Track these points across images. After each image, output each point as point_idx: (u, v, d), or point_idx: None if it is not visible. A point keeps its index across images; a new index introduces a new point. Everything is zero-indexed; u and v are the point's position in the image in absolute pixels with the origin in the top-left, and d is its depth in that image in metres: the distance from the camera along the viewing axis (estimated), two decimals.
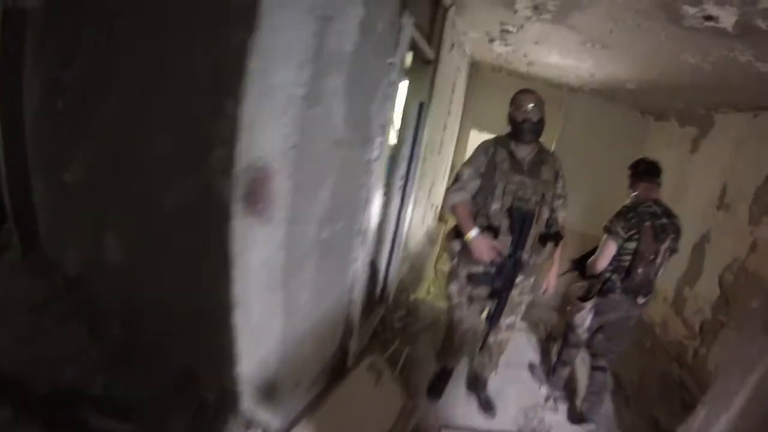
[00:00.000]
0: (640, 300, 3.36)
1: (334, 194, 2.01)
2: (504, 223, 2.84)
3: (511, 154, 2.89)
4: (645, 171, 3.44)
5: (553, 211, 2.98)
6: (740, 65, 3.39)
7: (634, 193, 3.44)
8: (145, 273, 1.77)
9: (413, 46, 3.28)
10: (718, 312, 4.41)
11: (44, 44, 1.81)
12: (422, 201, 5.23)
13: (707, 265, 4.87)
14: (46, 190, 1.97)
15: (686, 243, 4.86)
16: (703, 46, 3.27)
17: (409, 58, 3.90)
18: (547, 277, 3.22)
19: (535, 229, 2.89)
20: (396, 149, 4.02)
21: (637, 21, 3.26)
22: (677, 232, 3.29)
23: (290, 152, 1.55)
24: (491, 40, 5.27)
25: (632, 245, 3.20)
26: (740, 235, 4.40)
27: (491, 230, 2.84)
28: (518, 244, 2.81)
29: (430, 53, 3.84)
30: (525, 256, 2.87)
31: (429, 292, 5.09)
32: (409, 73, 4.01)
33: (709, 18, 2.76)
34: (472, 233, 2.76)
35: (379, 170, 2.67)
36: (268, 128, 1.47)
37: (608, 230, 3.26)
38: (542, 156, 2.96)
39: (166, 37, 1.54)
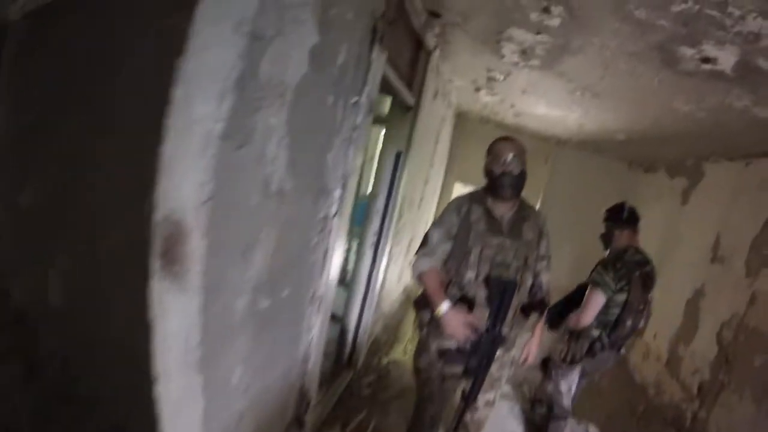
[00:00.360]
0: (623, 351, 3.26)
1: (274, 257, 1.64)
2: (480, 294, 2.41)
3: (488, 212, 2.48)
4: (629, 216, 3.27)
5: (536, 275, 2.59)
6: (736, 111, 3.30)
7: (615, 241, 3.30)
8: (84, 320, 1.51)
9: (389, 89, 3.00)
10: (717, 372, 4.16)
11: (18, 60, 1.64)
12: (399, 257, 4.87)
13: (703, 322, 4.64)
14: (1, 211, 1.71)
15: (679, 298, 5.06)
16: (698, 91, 3.15)
17: (386, 103, 3.63)
18: (527, 346, 2.76)
19: (517, 299, 2.47)
20: (369, 202, 3.73)
21: (629, 66, 3.09)
22: (655, 278, 3.20)
23: (206, 205, 1.21)
24: (477, 89, 5.08)
25: (622, 297, 3.01)
26: (737, 289, 4.21)
27: (466, 302, 2.42)
28: (497, 317, 2.37)
29: (409, 99, 3.55)
30: (505, 329, 2.44)
31: (405, 353, 4.70)
32: (386, 119, 3.74)
33: (706, 60, 2.65)
34: (443, 307, 2.34)
35: (341, 227, 2.30)
36: (185, 173, 1.16)
37: (596, 282, 3.03)
38: (524, 213, 2.56)
39: (117, 66, 1.33)
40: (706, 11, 2.14)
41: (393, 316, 5.60)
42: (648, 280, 3.08)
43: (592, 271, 3.12)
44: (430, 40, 3.51)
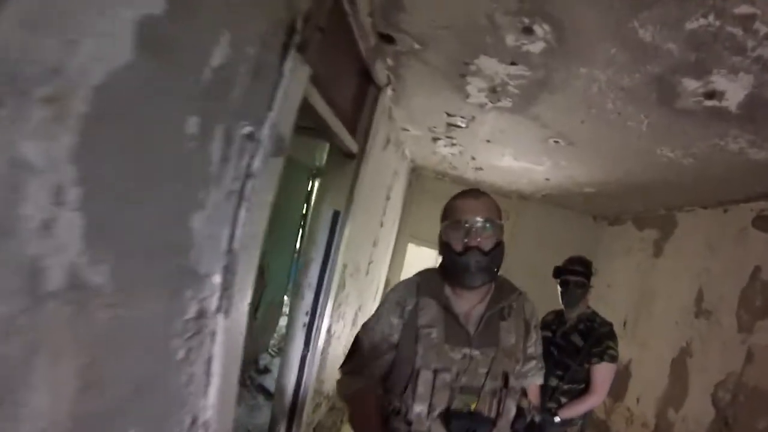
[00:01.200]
0: None
1: (86, 395, 0.90)
2: None
3: (446, 310, 1.69)
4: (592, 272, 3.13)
5: (524, 393, 1.76)
6: (729, 155, 3.00)
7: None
8: None
9: (319, 126, 2.31)
10: None
11: None
12: (342, 333, 4.11)
13: (694, 383, 4.28)
14: None
15: (662, 358, 4.75)
16: (690, 135, 2.85)
17: (322, 150, 3.01)
18: None
19: None
20: (299, 274, 3.09)
21: (617, 106, 2.68)
22: None
23: None
24: (435, 139, 4.54)
25: None
26: (730, 346, 3.92)
27: None
28: None
29: (351, 144, 2.85)
30: None
31: None
32: (322, 171, 3.09)
33: (710, 95, 2.30)
34: None
35: (236, 322, 1.49)
36: None
37: (613, 357, 2.85)
38: (502, 303, 1.73)
39: None
40: (727, 29, 1.75)
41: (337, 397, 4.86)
42: None
43: (595, 344, 2.88)
44: (381, 73, 2.91)
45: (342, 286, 3.50)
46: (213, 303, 1.35)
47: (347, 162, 2.96)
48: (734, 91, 2.19)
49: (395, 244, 7.15)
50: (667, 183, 4.07)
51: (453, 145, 4.60)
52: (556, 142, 3.61)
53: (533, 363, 1.81)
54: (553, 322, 3.19)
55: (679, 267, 4.96)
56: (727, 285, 4.14)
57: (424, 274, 1.83)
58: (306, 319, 3.00)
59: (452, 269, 1.68)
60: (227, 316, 1.41)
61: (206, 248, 1.29)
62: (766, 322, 3.65)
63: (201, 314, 1.30)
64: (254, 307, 5.45)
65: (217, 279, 1.36)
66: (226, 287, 1.39)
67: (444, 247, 1.70)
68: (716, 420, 3.83)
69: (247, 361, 5.36)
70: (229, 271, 1.39)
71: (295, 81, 1.54)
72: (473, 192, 1.74)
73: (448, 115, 3.63)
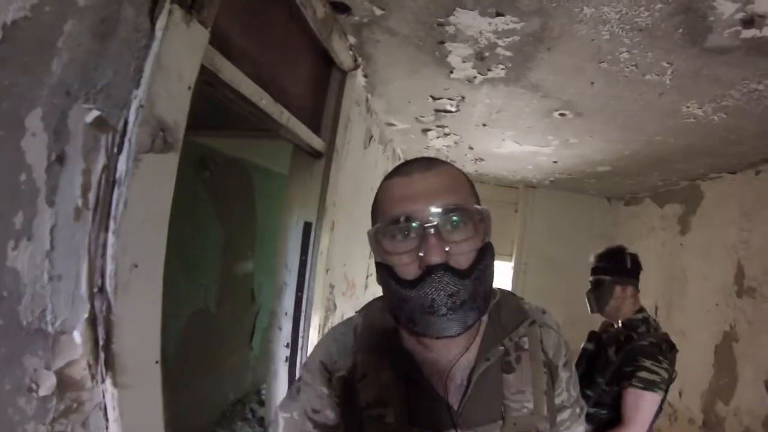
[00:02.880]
0: None
1: None
2: None
3: (408, 372, 0.98)
4: (634, 265, 2.49)
5: None
6: (766, 103, 2.59)
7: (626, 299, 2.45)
8: None
9: (262, 121, 1.82)
10: None
11: None
12: None
13: (743, 370, 3.95)
14: None
15: (704, 345, 4.42)
16: (724, 80, 2.39)
17: (283, 149, 2.52)
18: None
19: None
20: (274, 306, 2.60)
21: (634, 54, 2.20)
22: None
23: None
24: (425, 131, 4.07)
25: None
26: None
27: None
28: None
29: (314, 140, 2.36)
30: None
31: None
32: (288, 176, 2.61)
33: (749, 23, 1.85)
34: None
35: (139, 405, 1.07)
36: None
37: (646, 382, 2.12)
38: (503, 342, 1.01)
39: None
40: None
41: None
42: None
43: (626, 362, 2.21)
44: (343, 53, 2.43)
45: (331, 308, 3.03)
46: (81, 369, 0.95)
47: (314, 163, 2.47)
48: None
49: None
50: (691, 149, 3.66)
51: (446, 135, 4.14)
52: (562, 114, 3.16)
53: (568, 412, 1.11)
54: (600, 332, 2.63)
55: (712, 242, 4.60)
56: None
57: (370, 312, 1.09)
58: (287, 353, 2.52)
59: (406, 311, 0.90)
60: (117, 382, 0.99)
61: (50, 293, 0.89)
62: None
63: (66, 386, 0.92)
64: (249, 335, 5.06)
65: (77, 335, 0.91)
66: (103, 344, 0.96)
67: (383, 275, 0.93)
68: None
69: (248, 393, 4.98)
70: (101, 322, 0.96)
71: (175, 46, 1.09)
72: (420, 163, 0.94)
73: (434, 98, 3.16)
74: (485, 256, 0.90)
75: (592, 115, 3.11)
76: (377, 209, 0.96)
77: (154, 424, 1.15)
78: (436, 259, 0.83)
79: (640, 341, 2.22)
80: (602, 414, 2.28)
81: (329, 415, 1.01)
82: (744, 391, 3.89)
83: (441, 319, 0.85)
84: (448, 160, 3.69)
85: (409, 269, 0.87)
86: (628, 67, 2.33)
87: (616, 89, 2.62)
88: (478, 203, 0.95)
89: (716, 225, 4.61)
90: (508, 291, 1.12)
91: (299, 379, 1.07)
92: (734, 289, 4.19)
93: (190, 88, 1.16)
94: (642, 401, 2.10)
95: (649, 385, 2.09)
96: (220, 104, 1.62)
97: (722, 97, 2.58)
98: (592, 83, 2.56)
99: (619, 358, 2.22)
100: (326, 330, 2.92)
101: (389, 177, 0.96)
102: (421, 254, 0.84)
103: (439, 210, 0.86)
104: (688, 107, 2.78)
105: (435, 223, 0.85)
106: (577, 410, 1.13)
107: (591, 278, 2.49)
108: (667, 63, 2.24)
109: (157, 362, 1.13)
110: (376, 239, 0.91)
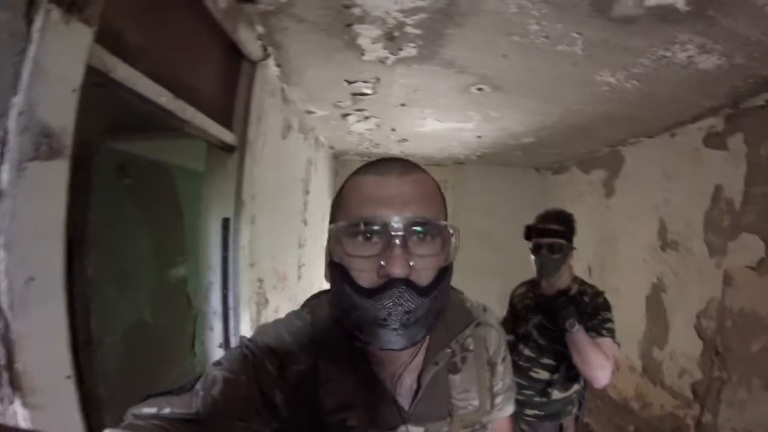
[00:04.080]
0: None
1: None
2: None
3: (368, 376, 0.95)
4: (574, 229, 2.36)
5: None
6: (675, 70, 2.67)
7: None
8: None
9: (165, 120, 1.72)
10: (710, 368, 3.70)
11: None
12: None
13: (674, 317, 4.20)
14: None
15: (635, 298, 4.67)
16: (633, 49, 2.44)
17: (204, 147, 2.40)
18: None
19: None
20: (201, 305, 2.56)
21: (544, 26, 2.19)
22: None
23: None
24: (345, 116, 3.97)
25: None
26: (705, 273, 3.81)
27: None
28: None
29: (225, 134, 2.28)
30: None
31: None
32: (204, 172, 2.50)
33: None
34: None
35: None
36: None
37: (613, 332, 2.15)
38: (450, 345, 1.01)
39: None
40: None
41: None
42: None
43: (590, 318, 2.16)
44: (252, 44, 2.30)
45: (263, 303, 2.96)
46: None
47: (227, 157, 2.37)
48: None
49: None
50: (609, 116, 3.74)
51: (366, 118, 4.06)
52: (480, 89, 3.13)
53: (501, 397, 1.14)
54: (526, 297, 2.49)
55: (636, 203, 4.85)
56: (689, 211, 4.00)
57: (319, 311, 1.00)
58: (222, 352, 2.43)
59: (355, 319, 0.84)
60: (27, 403, 0.99)
61: None
62: (738, 241, 3.52)
63: None
64: (191, 341, 4.86)
65: None
66: (5, 364, 0.96)
67: (337, 278, 0.86)
68: (705, 350, 3.73)
69: None
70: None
71: (55, 48, 1.05)
72: (396, 163, 0.88)
73: (349, 82, 3.07)
74: (446, 276, 0.86)
75: (509, 88, 3.10)
76: (342, 204, 0.89)
77: None
78: (399, 272, 0.77)
79: (596, 300, 2.23)
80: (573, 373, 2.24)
81: (278, 400, 0.87)
82: (676, 336, 4.11)
83: (390, 332, 0.80)
84: (372, 143, 3.57)
85: (366, 276, 0.81)
86: (539, 39, 2.31)
87: (529, 61, 2.61)
88: (445, 215, 0.90)
89: (639, 187, 4.80)
90: (451, 288, 1.01)
91: (241, 345, 0.92)
92: (659, 244, 4.40)
93: (74, 90, 1.11)
94: (612, 348, 2.10)
95: (612, 335, 2.12)
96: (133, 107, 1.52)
97: (633, 65, 2.62)
98: (505, 56, 2.54)
99: (582, 319, 2.13)
100: (265, 322, 2.83)
101: (361, 173, 0.89)
102: (383, 263, 0.78)
103: (410, 220, 0.80)
104: (601, 76, 2.81)
105: (403, 233, 0.79)
106: (510, 394, 1.17)
107: (544, 241, 2.27)
108: (577, 33, 2.24)
109: (68, 377, 1.10)
110: (337, 238, 0.85)
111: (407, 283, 0.78)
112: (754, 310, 3.33)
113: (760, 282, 3.30)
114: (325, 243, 0.92)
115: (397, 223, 0.79)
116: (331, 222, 0.90)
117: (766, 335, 3.21)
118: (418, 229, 0.81)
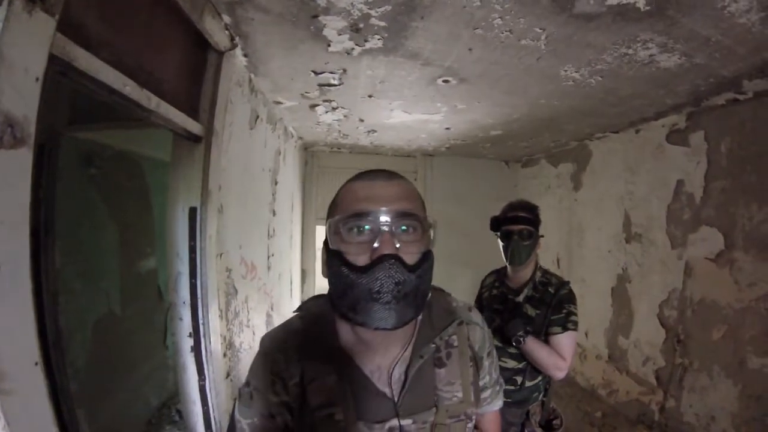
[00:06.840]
0: None
1: None
2: None
3: (351, 371, 1.06)
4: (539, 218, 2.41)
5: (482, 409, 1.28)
6: (637, 67, 2.78)
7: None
8: None
9: (129, 109, 1.71)
10: (672, 355, 3.89)
11: None
12: (255, 340, 3.54)
13: (638, 307, 4.41)
14: None
15: (601, 288, 4.89)
16: (596, 45, 2.50)
17: (171, 137, 2.37)
18: None
19: None
20: (169, 295, 2.53)
21: (507, 21, 2.23)
22: None
23: None
24: (313, 106, 3.96)
25: None
26: (667, 264, 4.01)
27: None
28: None
29: (191, 124, 2.25)
30: None
31: None
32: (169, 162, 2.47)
33: None
34: None
35: None
36: None
37: (577, 324, 2.21)
38: (435, 340, 1.12)
39: None
40: None
41: None
42: None
43: (555, 311, 2.23)
44: (219, 34, 2.29)
45: (231, 293, 2.96)
46: None
47: (194, 147, 2.35)
48: None
49: (302, 230, 6.58)
50: (575, 111, 3.82)
51: (334, 109, 4.05)
52: (446, 81, 3.16)
53: (489, 391, 1.28)
54: (493, 286, 2.54)
55: (602, 195, 4.99)
56: (652, 204, 4.19)
57: (309, 317, 1.13)
58: (191, 342, 2.45)
59: (351, 298, 0.95)
60: None
61: None
62: (698, 233, 3.67)
63: None
64: (163, 334, 4.79)
65: None
66: None
67: (334, 263, 0.98)
68: (668, 338, 3.92)
69: (172, 395, 4.74)
70: None
71: (17, 37, 1.07)
72: (383, 172, 1.05)
73: (316, 73, 3.06)
74: (428, 258, 1.00)
75: (475, 80, 3.13)
76: (337, 205, 1.04)
77: (46, 427, 1.16)
78: (388, 249, 0.92)
79: (561, 291, 2.27)
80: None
81: (287, 416, 1.05)
82: (640, 325, 4.30)
83: (383, 308, 0.92)
84: (341, 134, 3.58)
85: (361, 258, 0.95)
86: (503, 33, 2.34)
87: (494, 55, 2.64)
88: (425, 214, 1.05)
89: (604, 180, 4.94)
90: (438, 289, 1.22)
91: (247, 384, 1.10)
92: (623, 236, 4.56)
93: (38, 79, 1.13)
94: (574, 341, 2.20)
95: (576, 327, 2.20)
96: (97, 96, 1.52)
97: (596, 61, 2.69)
98: (470, 49, 2.57)
99: (546, 310, 2.25)
100: (229, 315, 2.85)
101: (353, 180, 1.06)
102: (375, 245, 0.93)
103: (396, 212, 0.96)
104: (566, 71, 2.87)
105: (389, 222, 0.95)
106: (497, 388, 1.33)
107: (515, 228, 2.31)
108: (540, 29, 2.29)
109: (36, 364, 1.13)
110: (335, 228, 1.00)
111: (396, 257, 0.92)
112: (713, 299, 3.49)
113: (719, 273, 3.43)
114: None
115: (385, 215, 0.95)
116: (329, 218, 1.04)
117: (726, 324, 3.34)
118: (403, 225, 0.97)
